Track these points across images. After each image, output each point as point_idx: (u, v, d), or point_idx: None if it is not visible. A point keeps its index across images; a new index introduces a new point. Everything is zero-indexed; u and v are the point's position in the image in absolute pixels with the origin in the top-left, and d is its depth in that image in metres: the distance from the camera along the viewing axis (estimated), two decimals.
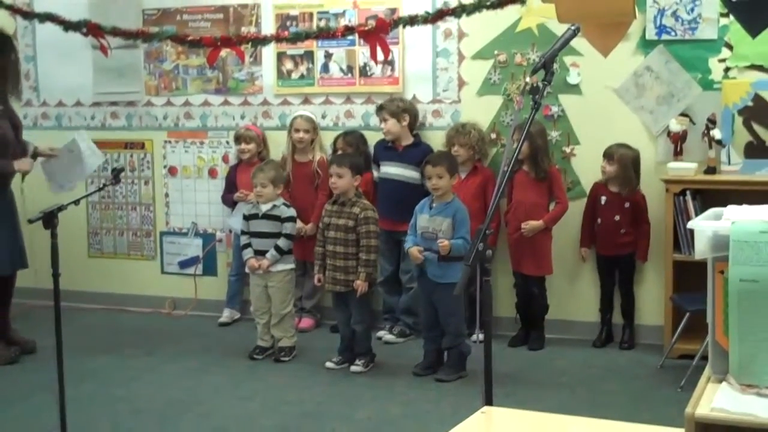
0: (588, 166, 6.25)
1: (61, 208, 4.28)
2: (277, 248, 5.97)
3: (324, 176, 6.59)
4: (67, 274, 4.41)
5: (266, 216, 6.04)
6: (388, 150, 6.49)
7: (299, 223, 6.29)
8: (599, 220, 6.14)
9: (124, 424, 4.99)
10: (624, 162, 6.01)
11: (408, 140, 6.44)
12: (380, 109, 6.41)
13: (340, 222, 5.74)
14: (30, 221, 4.40)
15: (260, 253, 6.02)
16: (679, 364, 5.57)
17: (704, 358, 4.79)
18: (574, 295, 6.39)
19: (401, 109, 6.39)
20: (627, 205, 6.05)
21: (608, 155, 6.03)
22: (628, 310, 6.20)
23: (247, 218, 6.11)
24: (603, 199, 6.10)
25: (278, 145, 6.84)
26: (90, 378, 5.64)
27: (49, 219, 4.22)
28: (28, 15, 6.81)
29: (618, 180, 6.03)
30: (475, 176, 6.27)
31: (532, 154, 6.03)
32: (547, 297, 6.27)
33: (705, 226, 2.20)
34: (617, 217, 6.06)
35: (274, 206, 6.04)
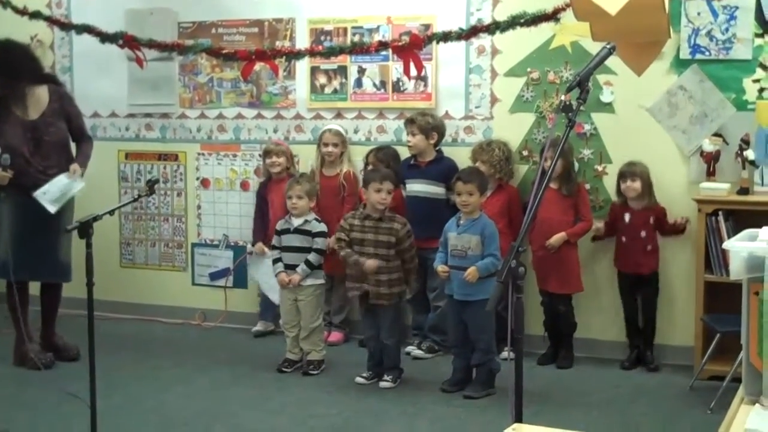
0: None
1: (96, 218, 4.30)
2: (308, 263, 5.99)
3: (350, 189, 6.61)
4: (98, 284, 4.42)
5: (298, 230, 6.06)
6: (412, 168, 6.48)
7: None
8: (624, 239, 6.11)
9: None
10: (646, 176, 6.01)
11: (431, 156, 6.43)
12: (411, 122, 6.40)
13: (381, 238, 5.73)
14: (67, 230, 4.44)
15: (290, 268, 6.03)
16: (709, 385, 5.53)
17: (735, 379, 4.79)
18: (602, 314, 6.35)
19: (431, 126, 6.38)
20: (652, 220, 6.03)
21: (630, 174, 5.99)
22: (649, 333, 6.16)
23: (279, 233, 6.13)
24: (627, 216, 6.07)
25: (311, 159, 6.86)
26: (120, 388, 5.67)
27: (85, 229, 4.24)
28: (66, 26, 6.88)
29: (642, 195, 6.01)
30: (500, 194, 6.25)
31: (565, 170, 6.03)
32: (574, 315, 6.24)
33: (740, 247, 2.20)
34: (643, 233, 6.04)
35: (306, 221, 6.06)
